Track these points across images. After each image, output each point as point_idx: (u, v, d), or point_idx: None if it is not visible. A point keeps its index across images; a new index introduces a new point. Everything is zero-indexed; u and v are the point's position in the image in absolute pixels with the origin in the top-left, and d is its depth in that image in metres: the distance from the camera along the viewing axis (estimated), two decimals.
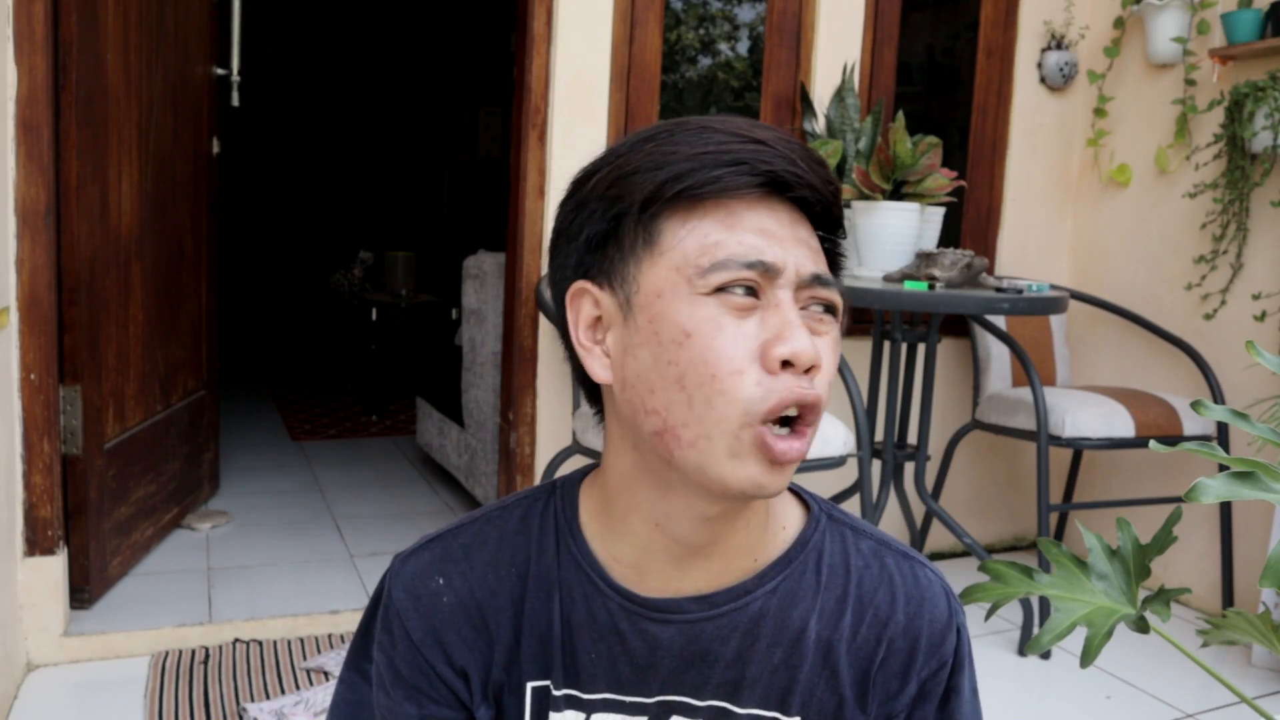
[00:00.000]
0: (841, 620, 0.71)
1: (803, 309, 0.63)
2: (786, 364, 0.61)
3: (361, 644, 0.81)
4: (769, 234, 0.63)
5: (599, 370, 0.67)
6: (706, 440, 0.61)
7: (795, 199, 0.65)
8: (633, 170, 0.64)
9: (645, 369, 0.63)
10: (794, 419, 0.62)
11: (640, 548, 0.70)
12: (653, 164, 0.64)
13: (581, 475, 0.76)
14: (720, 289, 0.61)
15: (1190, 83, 2.79)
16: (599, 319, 0.67)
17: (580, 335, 0.68)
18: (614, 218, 0.65)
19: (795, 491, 0.77)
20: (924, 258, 2.38)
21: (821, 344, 0.63)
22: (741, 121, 0.65)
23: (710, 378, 0.60)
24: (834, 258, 0.70)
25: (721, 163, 0.62)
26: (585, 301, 0.67)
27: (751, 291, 0.62)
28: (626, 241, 0.65)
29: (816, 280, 0.64)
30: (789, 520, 0.74)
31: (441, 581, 0.73)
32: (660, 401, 0.62)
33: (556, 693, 0.72)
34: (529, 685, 0.73)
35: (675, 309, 0.62)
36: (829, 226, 0.68)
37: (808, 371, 0.62)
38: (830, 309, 0.65)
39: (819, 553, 0.73)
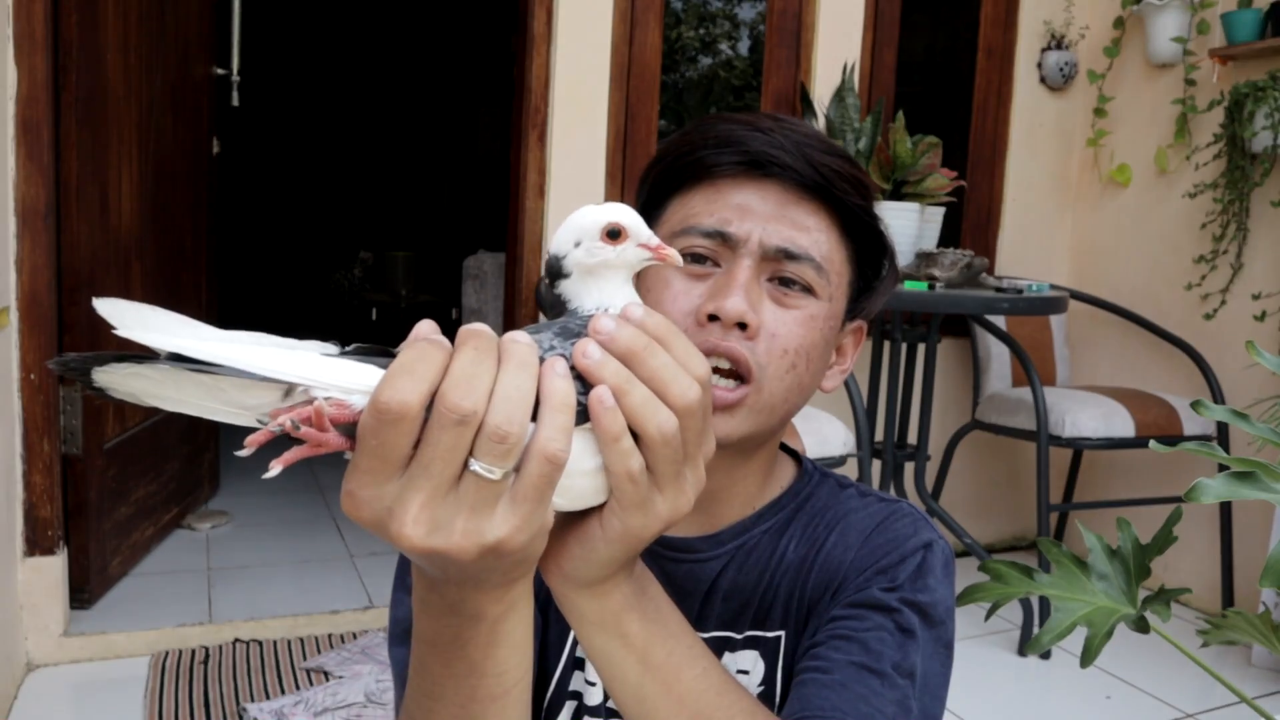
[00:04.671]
0: (815, 540, 0.79)
1: (770, 280, 0.70)
2: (714, 318, 0.68)
3: (405, 560, 0.88)
4: (745, 210, 0.70)
5: None
6: None
7: (796, 181, 0.70)
8: (661, 155, 0.76)
9: None
10: (732, 373, 0.69)
11: None
12: (670, 149, 0.75)
13: None
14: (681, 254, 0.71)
15: (1190, 83, 2.79)
16: None
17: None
18: (648, 194, 0.77)
19: (798, 459, 0.86)
20: (924, 258, 2.38)
21: (780, 314, 0.70)
22: (764, 114, 0.72)
23: None
24: (873, 238, 0.75)
25: (710, 145, 0.71)
26: None
27: (710, 259, 0.70)
28: (655, 214, 0.77)
29: (783, 254, 0.70)
30: (785, 478, 0.83)
31: None
32: None
33: None
34: None
35: (653, 269, 0.71)
36: (852, 213, 0.73)
37: (744, 329, 0.68)
38: (799, 284, 0.70)
39: (809, 496, 0.82)
